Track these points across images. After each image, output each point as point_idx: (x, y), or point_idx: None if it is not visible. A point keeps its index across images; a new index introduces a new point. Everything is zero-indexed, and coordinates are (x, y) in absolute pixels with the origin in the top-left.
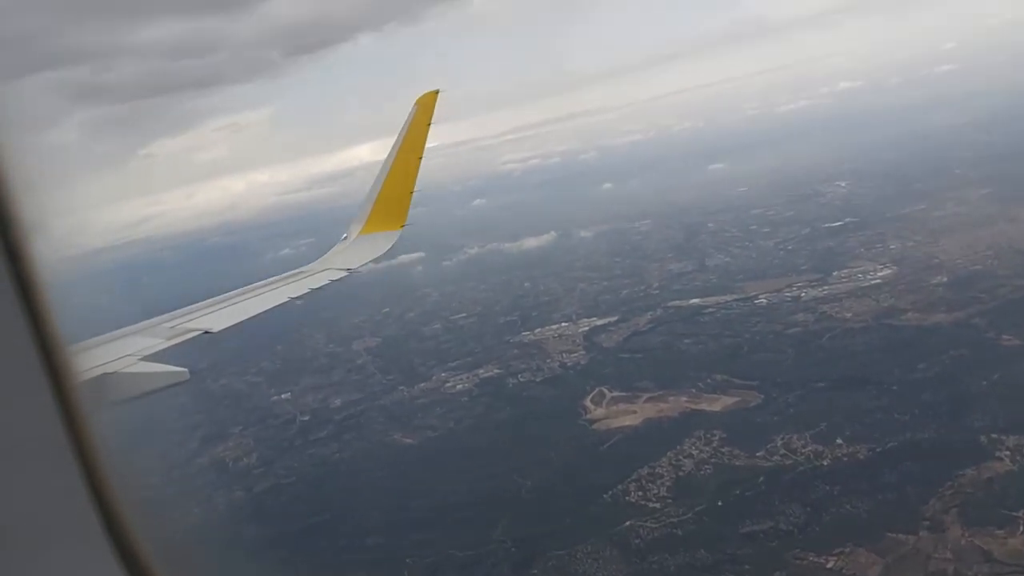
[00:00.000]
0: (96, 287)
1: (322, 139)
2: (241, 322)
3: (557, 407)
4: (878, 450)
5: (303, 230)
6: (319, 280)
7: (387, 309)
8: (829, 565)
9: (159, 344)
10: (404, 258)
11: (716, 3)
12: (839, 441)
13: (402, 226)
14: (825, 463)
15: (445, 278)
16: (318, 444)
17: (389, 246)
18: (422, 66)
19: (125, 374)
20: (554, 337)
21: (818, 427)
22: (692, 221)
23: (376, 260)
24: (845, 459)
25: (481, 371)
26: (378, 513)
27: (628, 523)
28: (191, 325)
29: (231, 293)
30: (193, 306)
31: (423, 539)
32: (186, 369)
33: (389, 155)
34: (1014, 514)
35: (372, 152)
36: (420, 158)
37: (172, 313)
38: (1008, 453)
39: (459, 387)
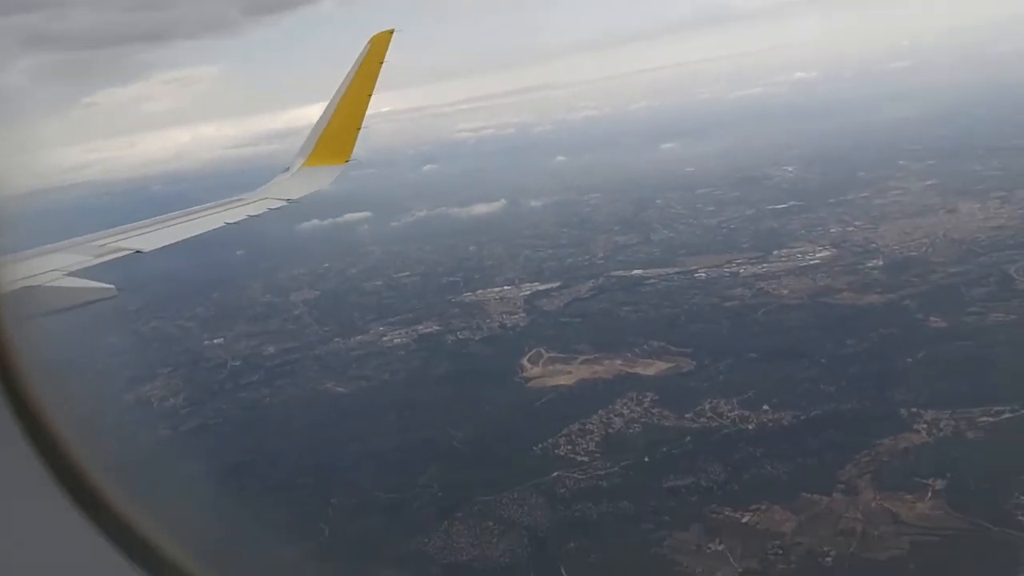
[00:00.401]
0: (30, 224)
1: (273, 97)
2: (174, 244)
3: (494, 365)
4: (802, 418)
5: (248, 184)
6: (258, 208)
7: (328, 264)
8: (744, 520)
9: (87, 261)
10: (350, 216)
11: None
12: (765, 407)
13: (346, 161)
14: (750, 427)
15: (390, 238)
16: (249, 388)
17: (331, 180)
18: (385, 26)
19: (49, 288)
20: (495, 299)
21: (746, 394)
22: (641, 196)
23: (317, 191)
24: (770, 424)
25: (420, 327)
26: (307, 456)
27: (555, 474)
28: (121, 244)
29: (164, 216)
30: (124, 226)
31: (350, 481)
32: (112, 286)
33: (338, 90)
34: (925, 481)
35: (322, 111)
36: (370, 95)
37: (102, 232)
38: (925, 426)
39: (396, 341)
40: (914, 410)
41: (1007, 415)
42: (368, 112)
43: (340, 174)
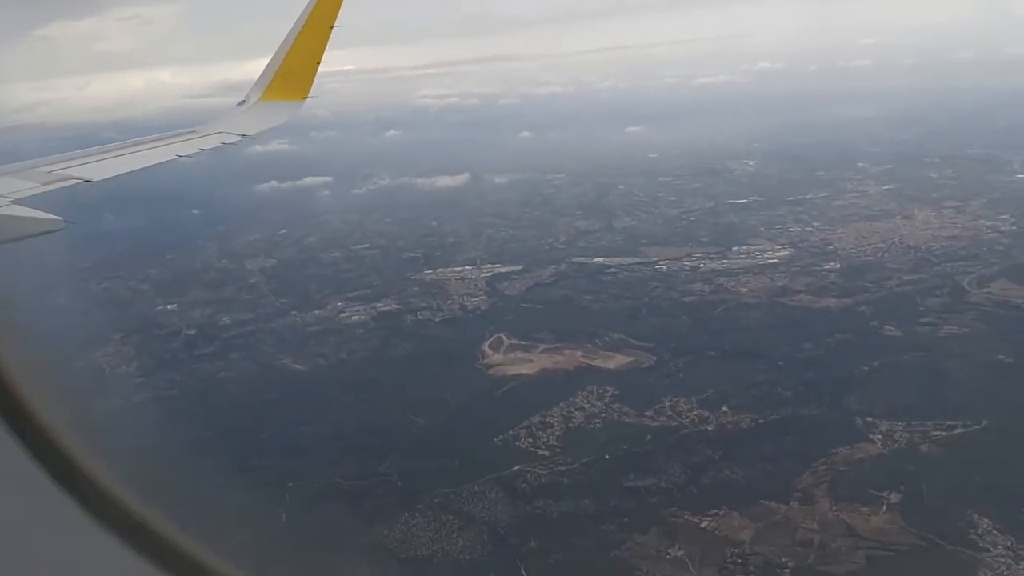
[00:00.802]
0: None
1: (237, 45)
2: (123, 174)
3: (455, 349)
4: (760, 421)
5: None
6: (210, 142)
7: (285, 231)
8: (703, 525)
9: (33, 188)
10: (311, 180)
11: None
12: (724, 409)
13: (305, 97)
14: (709, 428)
15: (350, 206)
16: (203, 360)
17: (288, 117)
18: None
19: None
20: (456, 279)
21: (705, 393)
22: (603, 181)
23: (274, 129)
24: (729, 426)
25: (379, 305)
26: (263, 436)
27: (516, 468)
28: (70, 172)
29: (114, 145)
30: (72, 153)
31: (308, 465)
32: (60, 218)
33: (297, 21)
34: (879, 494)
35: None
36: (331, 28)
37: (50, 158)
38: (880, 437)
39: (355, 318)
40: (869, 420)
41: (959, 430)
42: (329, 70)
43: (297, 110)
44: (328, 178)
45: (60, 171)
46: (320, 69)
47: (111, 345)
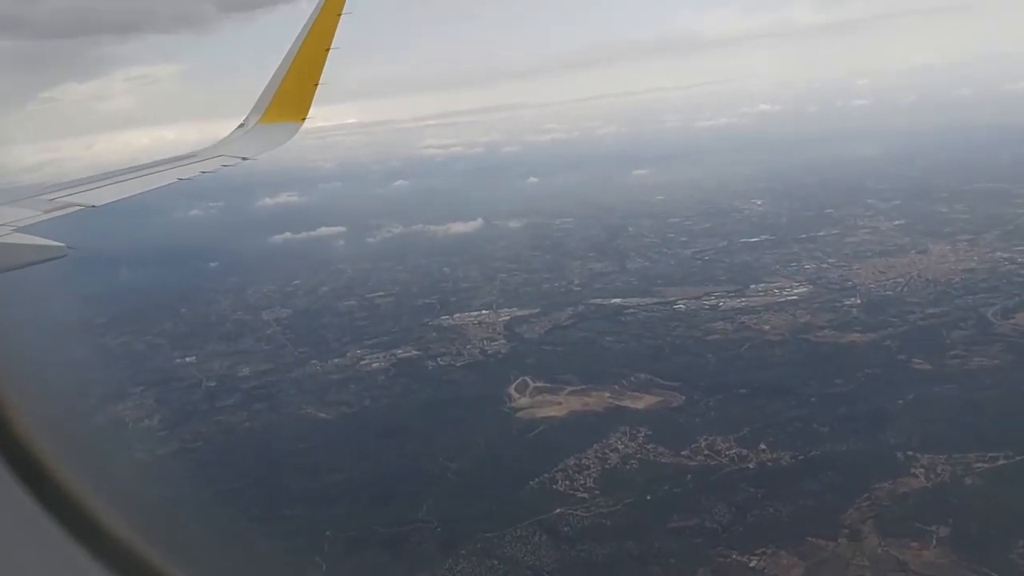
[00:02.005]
0: None
1: (240, 101)
2: (126, 198)
3: (479, 393)
4: (800, 458)
5: (211, 192)
6: (211, 165)
7: (298, 281)
8: (752, 564)
9: (36, 216)
10: (325, 231)
11: (648, 16)
12: (762, 446)
13: (303, 119)
14: (750, 466)
15: (361, 256)
16: (226, 411)
17: (288, 139)
18: (352, 40)
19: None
20: (474, 323)
21: (741, 431)
22: (612, 223)
23: (273, 151)
24: (769, 464)
25: (398, 351)
26: (293, 485)
27: (558, 511)
28: (72, 199)
29: (115, 171)
30: (73, 180)
31: (342, 513)
32: (64, 244)
33: (294, 43)
34: (928, 528)
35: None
36: (327, 50)
37: (52, 185)
38: (922, 471)
39: (375, 365)
40: (910, 453)
41: (1002, 461)
42: (330, 124)
43: (296, 132)
44: (342, 228)
45: (62, 198)
46: (321, 124)
47: (132, 399)
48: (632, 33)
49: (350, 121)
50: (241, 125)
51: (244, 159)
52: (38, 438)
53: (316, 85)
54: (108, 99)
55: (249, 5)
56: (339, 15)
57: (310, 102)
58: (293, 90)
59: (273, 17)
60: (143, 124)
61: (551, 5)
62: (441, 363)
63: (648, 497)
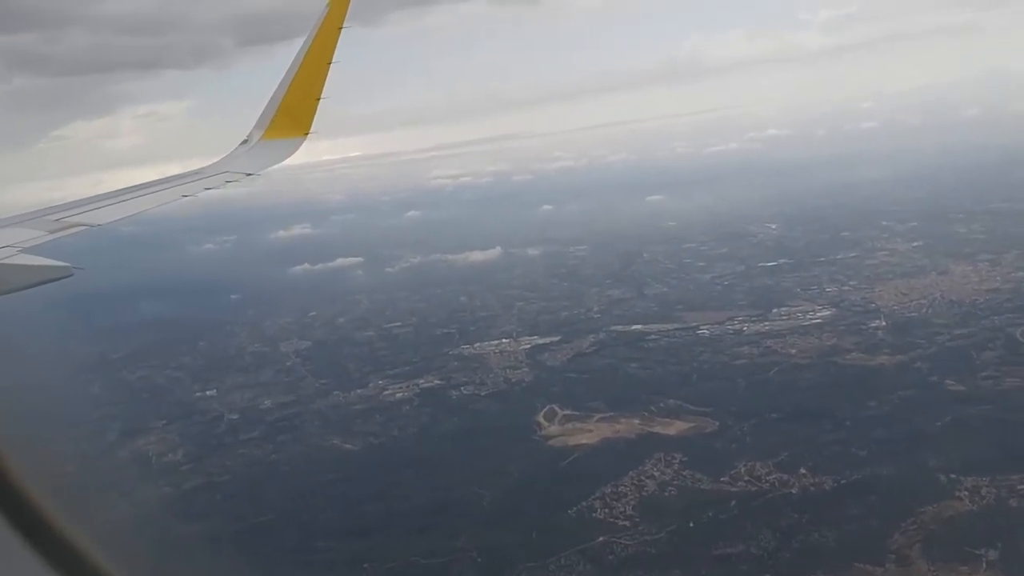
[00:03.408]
0: None
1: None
2: (130, 216)
3: (507, 422)
4: (843, 482)
5: (222, 227)
6: (216, 182)
7: (314, 312)
8: None
9: (41, 237)
10: (342, 262)
11: (652, 43)
12: (803, 471)
13: (307, 133)
14: (793, 491)
15: (376, 286)
16: (250, 444)
17: (292, 153)
18: (361, 72)
19: (4, 265)
20: (495, 352)
21: (779, 456)
22: (626, 250)
23: (277, 166)
24: (812, 489)
25: (421, 381)
26: (326, 516)
27: (601, 539)
28: (76, 219)
29: (118, 189)
30: (77, 199)
31: (378, 544)
32: (69, 264)
33: (296, 58)
34: (976, 551)
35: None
36: (329, 63)
37: (56, 206)
38: (967, 493)
39: (398, 396)
40: (952, 476)
41: None
42: (336, 157)
43: (299, 147)
44: (360, 259)
45: (67, 218)
46: (327, 157)
47: (154, 433)
48: (636, 61)
49: (355, 154)
50: (245, 141)
51: (248, 175)
52: (39, 483)
53: (318, 99)
54: (116, 137)
55: (268, 38)
56: (340, 28)
57: (313, 116)
58: (296, 105)
59: (291, 50)
60: (151, 162)
61: (552, 35)
62: (465, 392)
63: (691, 524)
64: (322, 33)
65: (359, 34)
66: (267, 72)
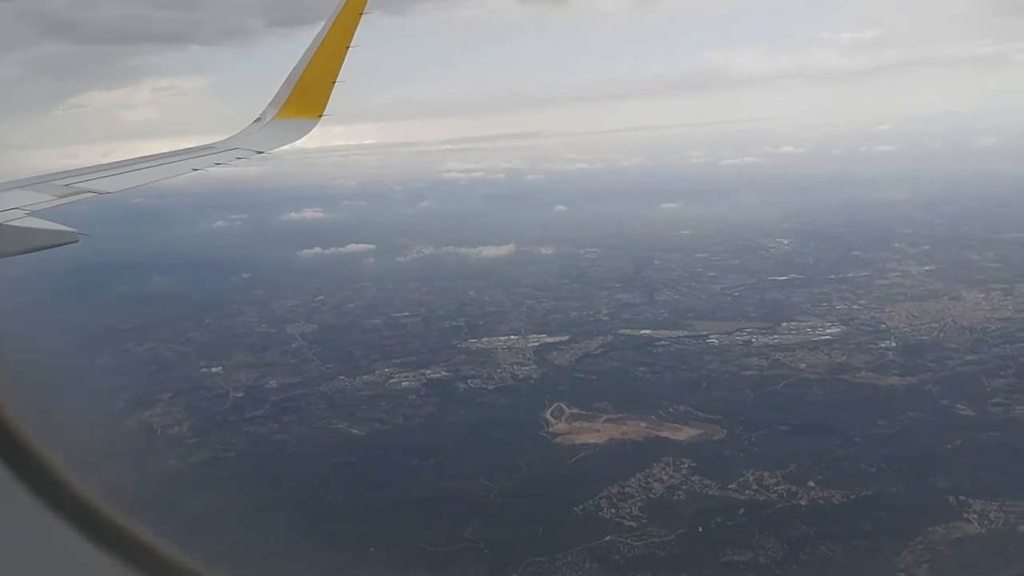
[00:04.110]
0: None
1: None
2: (139, 186)
3: (515, 417)
4: (852, 497)
5: (234, 205)
6: (226, 157)
7: (322, 297)
8: None
9: (50, 201)
10: (354, 248)
11: (673, 53)
12: (811, 484)
13: (320, 115)
14: (802, 503)
15: (385, 275)
16: (255, 422)
17: (305, 134)
18: (383, 60)
19: (12, 227)
20: (503, 348)
21: (788, 468)
22: (639, 255)
23: (289, 145)
24: (820, 502)
25: (428, 371)
26: (332, 499)
27: (608, 538)
28: (85, 185)
29: (129, 158)
30: (87, 166)
31: (385, 530)
32: (75, 230)
33: (315, 40)
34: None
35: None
36: (347, 48)
37: (65, 171)
38: (976, 516)
39: (405, 384)
40: (961, 498)
41: None
42: (351, 143)
43: (312, 128)
44: (372, 246)
45: (76, 184)
46: (341, 143)
47: (160, 406)
48: (657, 69)
49: (369, 142)
50: (258, 119)
51: (258, 152)
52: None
53: (334, 83)
54: (133, 108)
55: (297, 20)
56: (360, 13)
57: (327, 99)
58: (311, 86)
59: (314, 33)
60: (164, 135)
61: (575, 36)
62: (472, 385)
63: (700, 529)
64: (342, 17)
65: (384, 22)
66: (290, 53)
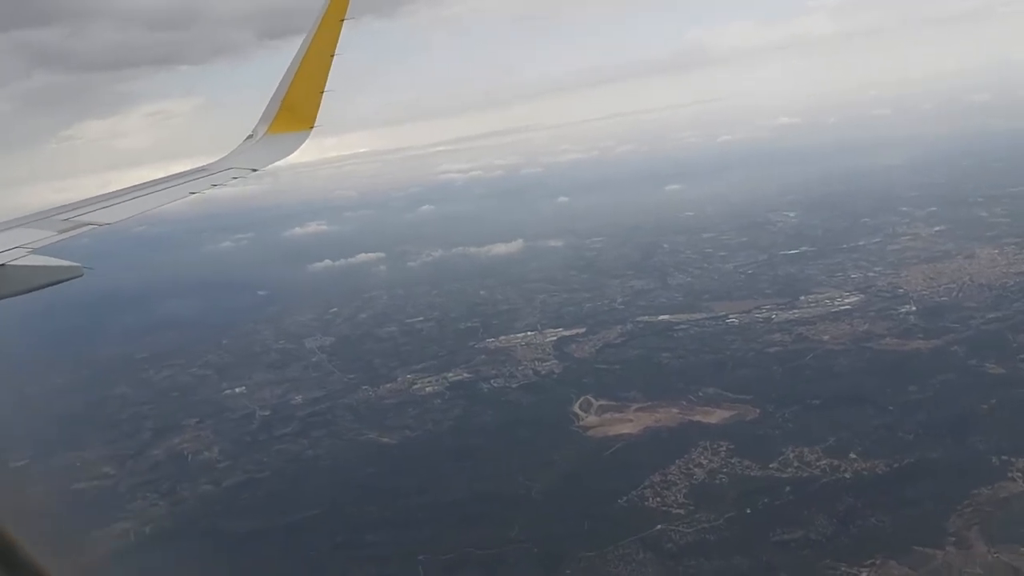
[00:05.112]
0: None
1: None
2: (138, 214)
3: (543, 413)
4: (895, 466)
5: (237, 225)
6: (222, 178)
7: (335, 309)
8: None
9: (51, 237)
10: (363, 257)
11: (660, 34)
12: (852, 456)
13: (311, 127)
14: (846, 476)
15: (395, 281)
16: (286, 440)
17: (297, 147)
18: (374, 64)
19: (15, 267)
20: (521, 345)
21: (827, 441)
22: (644, 241)
23: (282, 160)
24: (865, 473)
25: (449, 375)
26: (373, 510)
27: (659, 527)
28: (85, 218)
29: (126, 188)
30: (84, 199)
31: (430, 537)
32: (80, 264)
33: (298, 52)
34: None
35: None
36: (332, 56)
37: (63, 205)
38: (1021, 475)
39: (428, 389)
40: (1004, 458)
41: None
42: (345, 154)
43: (304, 140)
44: (381, 254)
45: (76, 218)
46: (335, 154)
47: (187, 431)
48: (644, 51)
49: (362, 150)
50: (250, 136)
51: (253, 170)
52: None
53: (322, 92)
54: (125, 136)
55: (289, 31)
56: (342, 20)
57: (317, 110)
58: (300, 99)
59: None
60: (158, 160)
61: (559, 25)
62: (496, 385)
63: (747, 510)
64: (324, 25)
65: (376, 25)
66: (282, 65)
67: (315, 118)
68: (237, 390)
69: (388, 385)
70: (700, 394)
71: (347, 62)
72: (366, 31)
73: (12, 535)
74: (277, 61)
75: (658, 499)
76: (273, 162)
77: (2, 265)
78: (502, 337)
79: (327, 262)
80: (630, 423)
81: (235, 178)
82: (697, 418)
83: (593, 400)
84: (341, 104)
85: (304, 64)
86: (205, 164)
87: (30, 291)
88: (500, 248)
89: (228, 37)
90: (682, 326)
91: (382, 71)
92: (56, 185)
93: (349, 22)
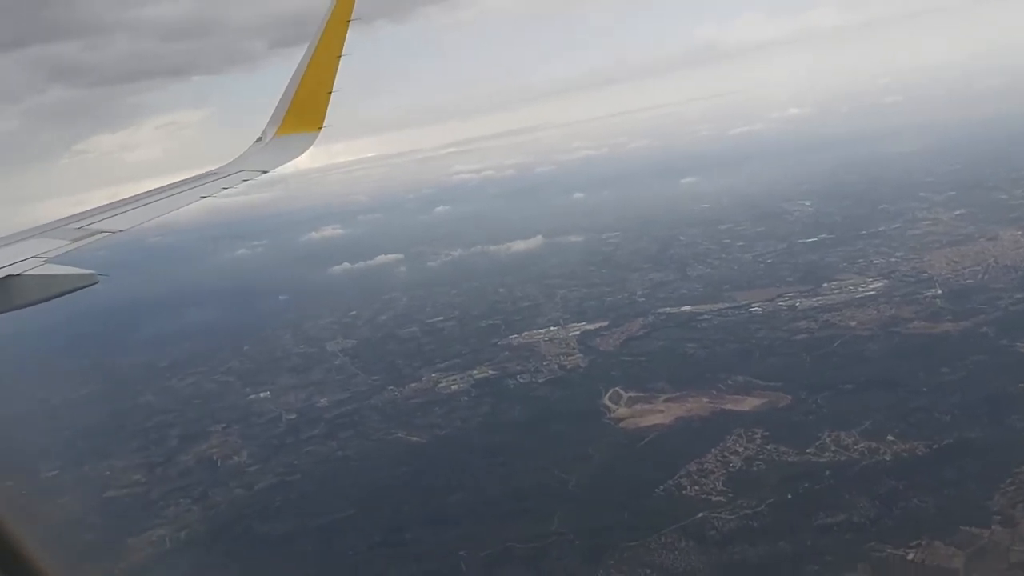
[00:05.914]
0: None
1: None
2: (151, 220)
3: (573, 406)
4: (934, 447)
5: (251, 232)
6: (233, 181)
7: (355, 312)
8: (910, 557)
9: (65, 246)
10: (383, 259)
11: (669, 30)
12: (890, 438)
13: (319, 128)
14: (886, 458)
15: (414, 282)
16: (314, 442)
17: (306, 149)
18: (386, 68)
19: (31, 276)
20: (545, 340)
21: (863, 425)
22: (660, 234)
23: (291, 162)
24: (904, 455)
25: (474, 372)
26: (409, 508)
27: (700, 515)
28: (98, 226)
29: (137, 194)
30: (96, 207)
31: (469, 533)
32: (94, 272)
33: (305, 54)
34: None
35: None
36: (339, 57)
37: (76, 215)
38: None
39: (454, 387)
40: None
41: None
42: (354, 159)
43: (313, 142)
44: (400, 255)
45: (88, 226)
46: (344, 159)
47: (214, 437)
48: (654, 48)
49: (371, 155)
50: (259, 139)
51: (263, 172)
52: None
53: (330, 93)
54: (136, 148)
55: (300, 39)
56: (348, 21)
57: (325, 110)
58: (307, 100)
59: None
60: (169, 171)
61: (569, 25)
62: (522, 380)
63: (788, 496)
64: (330, 27)
65: (389, 30)
66: (286, 73)
67: (323, 119)
68: (262, 395)
69: (413, 385)
70: (729, 383)
71: (360, 67)
72: (379, 36)
73: (13, 535)
74: (289, 69)
75: (696, 487)
76: (282, 163)
77: (18, 275)
78: (525, 333)
79: (345, 265)
80: (661, 413)
81: (245, 180)
82: (728, 406)
83: (622, 392)
84: (353, 108)
85: (311, 65)
86: (214, 169)
87: (47, 300)
88: (518, 245)
89: (241, 46)
90: (705, 316)
91: (394, 75)
92: (70, 199)
93: (364, 27)
